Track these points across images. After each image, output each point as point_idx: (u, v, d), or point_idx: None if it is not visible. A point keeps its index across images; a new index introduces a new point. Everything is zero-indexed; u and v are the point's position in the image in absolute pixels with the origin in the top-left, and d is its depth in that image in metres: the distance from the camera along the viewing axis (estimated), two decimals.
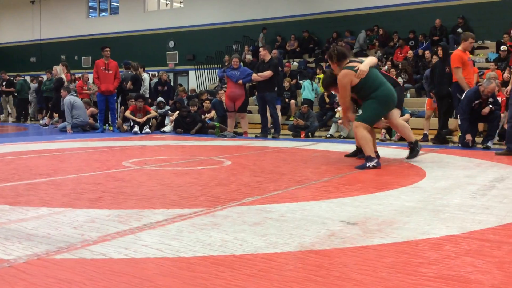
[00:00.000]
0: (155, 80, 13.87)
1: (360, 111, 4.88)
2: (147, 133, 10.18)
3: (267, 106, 9.17)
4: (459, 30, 13.77)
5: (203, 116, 10.50)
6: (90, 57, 22.29)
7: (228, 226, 2.46)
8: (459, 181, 3.95)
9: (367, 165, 4.65)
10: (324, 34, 16.74)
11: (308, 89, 12.16)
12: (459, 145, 7.23)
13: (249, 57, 15.67)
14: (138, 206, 2.94)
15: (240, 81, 9.06)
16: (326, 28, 16.68)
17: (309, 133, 9.86)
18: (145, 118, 10.36)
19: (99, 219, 2.61)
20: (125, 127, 10.93)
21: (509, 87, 6.32)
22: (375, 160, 4.69)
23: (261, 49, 9.41)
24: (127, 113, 10.51)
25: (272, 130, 9.40)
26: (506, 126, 6.86)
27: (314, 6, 17.31)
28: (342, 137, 9.52)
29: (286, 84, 12.55)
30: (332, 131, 9.93)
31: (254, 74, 9.05)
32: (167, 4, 22.20)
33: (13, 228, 2.43)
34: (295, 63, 15.93)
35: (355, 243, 2.21)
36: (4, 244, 2.16)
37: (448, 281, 1.73)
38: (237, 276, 1.78)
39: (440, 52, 8.30)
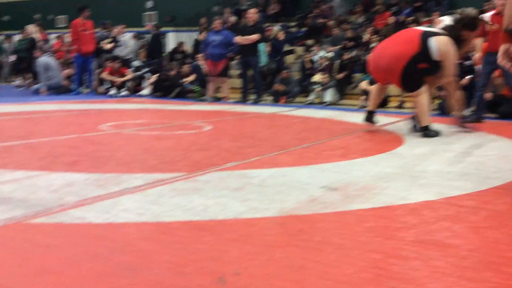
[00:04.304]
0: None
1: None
2: (124, 95, 10.00)
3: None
4: None
5: (182, 80, 10.35)
6: (65, 16, 21.54)
7: (209, 191, 2.45)
8: (436, 148, 4.00)
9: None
10: None
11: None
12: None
13: (233, 19, 15.37)
14: (117, 171, 2.90)
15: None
16: None
17: (290, 98, 9.83)
18: (122, 80, 10.15)
19: (77, 183, 2.56)
20: (101, 89, 10.71)
21: (477, 55, 6.35)
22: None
23: (253, 10, 9.19)
24: (104, 75, 10.28)
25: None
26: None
27: None
28: (327, 103, 9.49)
29: (267, 49, 12.39)
30: (312, 97, 9.90)
31: (238, 37, 8.89)
32: None
33: None
34: (276, 27, 15.69)
35: (335, 208, 2.22)
36: None
37: (427, 245, 1.76)
38: (218, 240, 1.78)
39: None
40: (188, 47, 14.22)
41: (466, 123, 5.84)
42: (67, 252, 1.66)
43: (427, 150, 3.86)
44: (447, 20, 4.85)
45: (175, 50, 13.30)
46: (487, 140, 4.49)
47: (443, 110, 7.22)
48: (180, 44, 13.76)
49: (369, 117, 4.98)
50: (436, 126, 4.72)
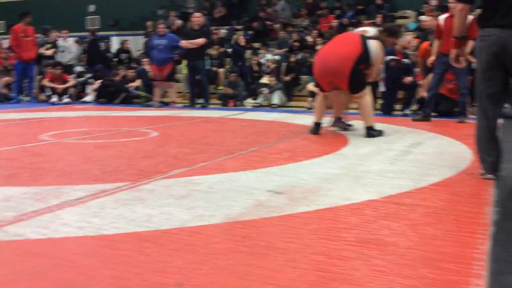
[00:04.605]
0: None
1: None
2: (66, 103, 9.67)
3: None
4: (379, 1, 14.20)
5: (127, 85, 10.14)
6: (3, 22, 20.62)
7: (154, 201, 2.41)
8: (379, 147, 4.12)
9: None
10: (254, 1, 16.53)
11: None
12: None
13: (178, 22, 15.23)
14: (57, 183, 2.80)
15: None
16: None
17: (238, 102, 9.86)
18: (64, 87, 9.82)
19: (15, 198, 2.46)
20: (42, 96, 10.32)
21: (432, 58, 6.63)
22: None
23: (198, 14, 9.11)
24: (46, 82, 9.91)
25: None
26: (424, 94, 7.24)
27: None
28: (275, 106, 9.58)
29: (214, 52, 12.37)
30: (260, 100, 9.97)
31: (183, 41, 8.81)
32: None
33: None
34: (223, 31, 15.69)
35: (281, 212, 2.25)
36: None
37: (367, 245, 1.81)
38: (162, 251, 1.75)
39: None
40: (133, 51, 13.97)
41: (416, 121, 6.09)
42: (3, 270, 1.59)
43: (370, 150, 3.97)
44: (370, 30, 5.00)
45: (120, 50, 13.03)
46: (425, 138, 4.67)
47: (385, 110, 7.48)
48: (124, 42, 13.50)
49: (316, 129, 4.94)
50: (379, 125, 4.87)
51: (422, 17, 9.49)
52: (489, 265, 1.62)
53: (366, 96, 4.81)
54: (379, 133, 4.75)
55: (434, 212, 2.25)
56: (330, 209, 2.30)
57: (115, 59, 12.62)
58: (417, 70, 7.77)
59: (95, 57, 11.96)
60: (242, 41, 11.50)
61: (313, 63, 5.05)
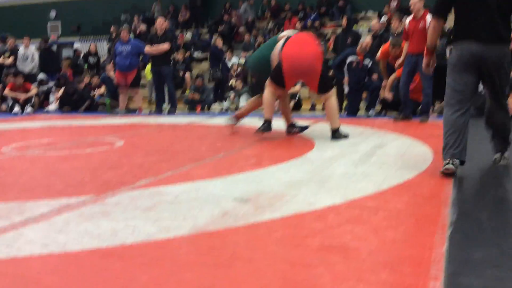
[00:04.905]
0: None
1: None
2: (29, 113, 9.45)
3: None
4: (340, 3, 14.48)
5: (92, 93, 9.98)
6: None
7: (119, 214, 2.40)
8: (344, 150, 4.21)
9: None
10: (219, 4, 16.51)
11: None
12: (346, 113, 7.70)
13: (142, 27, 15.10)
14: (20, 198, 2.75)
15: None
16: None
17: (205, 107, 9.85)
18: (26, 96, 9.59)
19: None
20: (3, 107, 10.04)
21: (401, 59, 6.80)
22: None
23: (161, 19, 9.02)
24: (6, 91, 9.66)
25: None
26: (385, 95, 7.42)
27: None
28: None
29: (179, 56, 12.32)
30: (227, 104, 9.99)
31: (147, 47, 8.74)
32: None
33: None
34: (188, 35, 15.63)
35: (247, 220, 2.27)
36: None
37: (330, 251, 1.86)
38: (127, 266, 1.76)
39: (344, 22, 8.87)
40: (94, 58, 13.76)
41: (397, 120, 6.26)
42: None
43: (335, 153, 4.05)
44: (290, 32, 5.22)
45: (88, 54, 12.82)
46: (389, 139, 4.79)
47: (350, 111, 7.62)
48: (91, 46, 13.30)
49: (268, 127, 4.89)
50: (344, 127, 4.96)
51: (373, 22, 9.72)
52: (445, 267, 1.68)
53: (332, 98, 4.90)
54: (345, 136, 4.84)
55: (395, 215, 2.33)
56: (295, 215, 2.34)
57: (85, 64, 12.40)
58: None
59: (50, 64, 11.69)
60: (220, 43, 11.41)
61: (281, 62, 4.84)
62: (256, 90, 5.36)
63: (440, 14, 3.29)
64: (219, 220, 2.28)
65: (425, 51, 3.44)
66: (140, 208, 2.49)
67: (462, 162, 3.13)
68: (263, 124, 4.89)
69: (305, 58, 4.79)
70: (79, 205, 2.56)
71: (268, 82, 4.91)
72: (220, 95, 10.85)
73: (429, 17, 6.22)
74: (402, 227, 2.16)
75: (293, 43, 4.92)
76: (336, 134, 4.81)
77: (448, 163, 3.03)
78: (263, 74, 5.04)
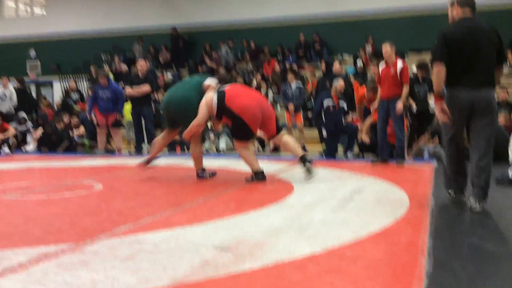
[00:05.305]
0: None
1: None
2: (6, 153, 9.32)
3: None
4: (316, 46, 14.93)
5: (71, 133, 9.93)
6: None
7: (98, 263, 2.38)
8: (322, 195, 4.27)
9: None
10: (199, 46, 16.79)
11: None
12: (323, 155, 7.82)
13: (124, 67, 15.27)
14: None
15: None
16: (203, 39, 16.75)
17: (185, 147, 9.86)
18: (2, 137, 9.48)
19: None
20: None
21: (375, 103, 7.00)
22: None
23: (142, 61, 9.13)
24: None
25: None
26: (363, 138, 7.58)
27: (187, 16, 17.29)
28: (222, 150, 9.65)
29: (160, 96, 12.41)
30: (207, 146, 10.03)
31: (128, 89, 8.80)
32: (27, 11, 20.58)
33: None
34: (169, 76, 15.81)
35: (227, 270, 2.28)
36: None
37: None
38: None
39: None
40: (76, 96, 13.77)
41: (374, 163, 6.43)
42: None
43: (314, 198, 4.10)
44: (212, 81, 5.49)
45: (68, 91, 12.85)
46: (366, 183, 4.88)
47: (328, 154, 7.74)
48: (71, 83, 13.38)
49: (263, 176, 5.08)
50: (322, 170, 5.03)
51: (335, 67, 10.04)
52: None
53: (285, 136, 5.39)
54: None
55: (372, 265, 2.37)
56: (275, 265, 2.36)
57: (67, 100, 12.42)
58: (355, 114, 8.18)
59: (26, 104, 11.68)
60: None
61: (240, 117, 4.96)
62: (171, 125, 5.52)
63: (441, 59, 3.57)
64: (199, 271, 2.28)
65: (434, 98, 3.66)
66: (120, 258, 2.47)
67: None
68: (256, 176, 5.06)
69: (265, 106, 5.14)
70: (57, 254, 2.53)
71: (238, 144, 5.13)
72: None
73: (399, 64, 6.48)
74: (380, 277, 2.20)
75: (239, 96, 5.06)
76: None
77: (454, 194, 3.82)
78: (184, 114, 5.21)
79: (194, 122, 5.07)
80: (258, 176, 5.05)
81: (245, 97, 5.06)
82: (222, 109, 5.00)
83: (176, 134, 5.88)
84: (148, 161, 5.73)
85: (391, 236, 2.90)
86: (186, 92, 5.33)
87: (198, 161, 5.43)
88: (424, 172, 5.72)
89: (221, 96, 5.02)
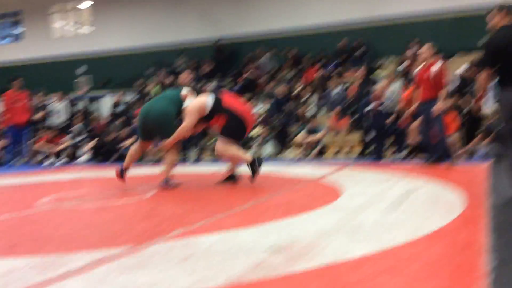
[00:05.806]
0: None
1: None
2: (62, 164, 9.73)
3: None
4: (360, 50, 14.79)
5: (120, 144, 10.25)
6: None
7: (155, 265, 2.45)
8: (372, 197, 4.20)
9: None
10: (242, 56, 17.01)
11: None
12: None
13: (169, 79, 15.64)
14: (60, 251, 2.83)
15: None
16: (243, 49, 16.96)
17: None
18: (57, 149, 9.92)
19: (18, 269, 2.48)
20: (37, 160, 10.39)
21: (413, 106, 6.85)
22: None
23: (185, 73, 9.35)
24: (40, 144, 10.01)
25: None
26: (412, 140, 7.42)
27: (226, 28, 17.57)
28: (267, 156, 9.70)
29: None
30: (253, 151, 10.10)
31: None
32: (75, 30, 21.48)
33: None
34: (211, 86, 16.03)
35: (281, 271, 2.29)
36: None
37: None
38: None
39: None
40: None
41: (426, 164, 6.28)
42: None
43: (363, 201, 4.05)
44: (188, 89, 5.64)
45: (115, 105, 13.35)
46: (417, 185, 4.77)
47: (376, 156, 7.62)
48: (118, 96, 13.89)
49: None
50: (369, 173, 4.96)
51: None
52: None
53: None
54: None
55: (430, 265, 2.31)
56: (329, 266, 2.34)
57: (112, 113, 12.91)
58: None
59: (79, 118, 12.25)
60: None
61: (242, 117, 5.24)
62: (146, 137, 5.57)
63: (489, 66, 3.95)
64: (252, 272, 2.30)
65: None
66: (175, 260, 2.53)
67: None
68: (253, 164, 5.12)
69: (250, 109, 5.53)
70: (116, 257, 2.62)
71: (224, 141, 5.19)
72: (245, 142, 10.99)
73: (435, 67, 6.30)
74: (437, 279, 2.14)
75: (235, 101, 5.40)
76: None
77: None
78: (161, 127, 5.30)
79: (182, 128, 5.19)
80: (255, 163, 5.09)
81: (240, 102, 5.44)
82: (218, 110, 5.18)
83: (149, 146, 5.99)
84: (124, 171, 5.84)
85: (449, 236, 2.82)
86: (164, 105, 5.40)
87: (168, 169, 5.41)
88: (478, 172, 5.54)
89: (217, 98, 5.25)
